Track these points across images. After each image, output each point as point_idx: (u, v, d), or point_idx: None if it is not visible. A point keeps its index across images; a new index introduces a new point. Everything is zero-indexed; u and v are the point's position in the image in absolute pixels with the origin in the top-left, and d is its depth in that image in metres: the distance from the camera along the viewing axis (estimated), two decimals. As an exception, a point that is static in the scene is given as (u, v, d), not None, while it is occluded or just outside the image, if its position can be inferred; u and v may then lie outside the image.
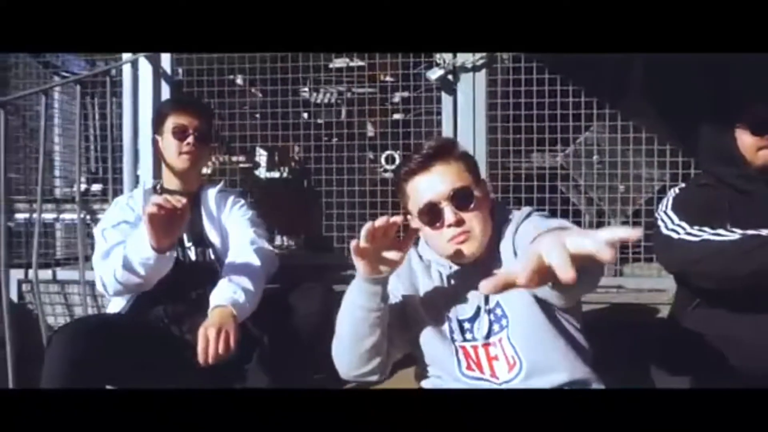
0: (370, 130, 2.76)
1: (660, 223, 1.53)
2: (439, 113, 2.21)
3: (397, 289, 1.32)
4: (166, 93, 2.32)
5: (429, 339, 1.28)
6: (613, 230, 0.67)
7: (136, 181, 2.27)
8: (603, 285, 1.92)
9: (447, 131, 2.20)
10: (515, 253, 1.21)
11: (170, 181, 1.77)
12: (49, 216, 2.35)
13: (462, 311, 1.27)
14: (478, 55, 2.13)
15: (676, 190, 1.62)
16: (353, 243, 1.10)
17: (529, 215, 1.27)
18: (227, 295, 1.49)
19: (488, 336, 1.24)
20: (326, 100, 3.16)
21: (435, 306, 1.29)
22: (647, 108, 2.28)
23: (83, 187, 2.45)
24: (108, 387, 1.47)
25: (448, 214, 1.19)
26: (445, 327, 1.27)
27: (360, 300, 1.17)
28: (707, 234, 1.42)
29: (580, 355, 1.26)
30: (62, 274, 2.32)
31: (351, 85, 2.72)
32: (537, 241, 0.75)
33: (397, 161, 2.36)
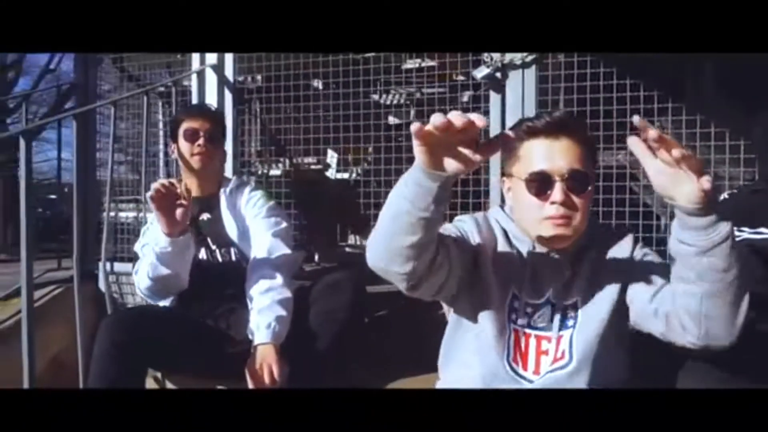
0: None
1: None
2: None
3: (473, 233, 1.21)
4: (228, 100, 2.48)
5: (489, 312, 1.17)
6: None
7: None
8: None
9: (495, 132, 2.14)
10: (629, 275, 1.16)
11: (189, 184, 1.83)
12: (130, 214, 2.59)
13: (530, 295, 1.20)
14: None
15: (726, 194, 1.50)
16: (416, 125, 0.87)
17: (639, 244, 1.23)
18: (265, 332, 1.59)
19: (548, 329, 1.18)
20: (396, 101, 3.20)
21: (505, 277, 1.19)
22: (722, 102, 2.07)
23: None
24: (148, 368, 1.62)
25: (558, 191, 1.10)
26: (505, 303, 1.19)
27: (409, 192, 0.95)
28: (746, 233, 1.30)
29: (621, 374, 1.21)
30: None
31: (420, 85, 2.74)
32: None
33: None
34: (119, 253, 2.62)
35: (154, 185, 1.55)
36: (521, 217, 1.20)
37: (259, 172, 2.92)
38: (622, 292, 1.17)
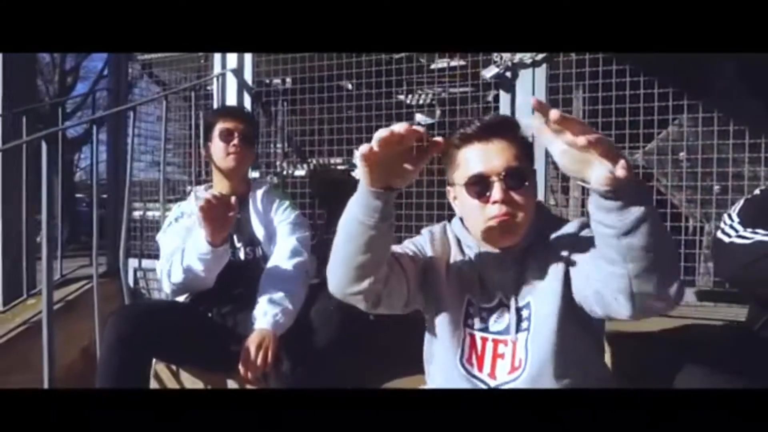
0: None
1: (720, 225, 1.38)
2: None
3: (424, 247, 1.27)
4: (247, 102, 2.55)
5: (442, 317, 1.22)
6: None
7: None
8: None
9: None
10: (569, 261, 1.15)
11: (220, 185, 1.93)
12: (157, 213, 2.69)
13: (483, 299, 1.22)
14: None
15: (755, 191, 1.44)
16: (363, 147, 0.96)
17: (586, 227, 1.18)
18: (269, 319, 1.64)
19: (505, 333, 1.19)
20: (421, 101, 3.21)
21: (458, 284, 1.23)
22: (741, 99, 1.99)
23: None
24: (152, 362, 1.69)
25: (497, 190, 1.12)
26: (461, 310, 1.22)
27: (359, 213, 1.04)
28: (760, 235, 1.25)
29: (593, 377, 1.19)
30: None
31: (445, 85, 2.74)
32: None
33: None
34: (146, 250, 2.74)
35: (205, 195, 1.56)
36: (468, 222, 1.23)
37: (285, 173, 2.99)
38: (569, 284, 1.15)
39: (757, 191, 1.45)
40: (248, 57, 2.57)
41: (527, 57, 2.05)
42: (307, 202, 2.72)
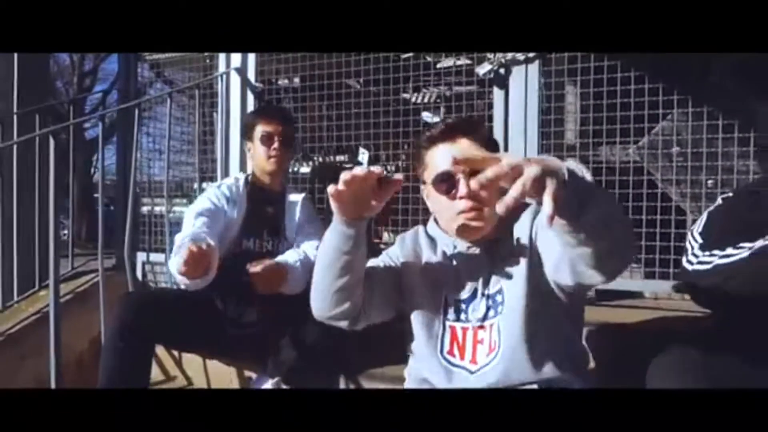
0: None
1: (686, 246, 1.37)
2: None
3: (397, 255, 1.35)
4: (251, 101, 2.62)
5: (419, 315, 1.29)
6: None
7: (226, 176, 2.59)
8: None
9: (498, 129, 2.17)
10: (533, 236, 1.22)
11: (259, 180, 2.02)
12: (163, 209, 2.78)
13: (459, 291, 1.28)
14: (529, 47, 2.06)
15: (717, 201, 1.43)
16: (330, 187, 1.08)
17: None
18: (292, 260, 1.78)
19: (483, 319, 1.25)
20: (426, 99, 3.25)
21: (433, 282, 1.30)
22: (730, 93, 2.01)
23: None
24: (154, 349, 1.76)
25: (463, 185, 1.19)
26: (440, 305, 1.29)
27: (334, 241, 1.17)
28: (717, 258, 1.25)
29: (569, 358, 1.23)
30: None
31: (450, 83, 2.78)
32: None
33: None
34: (154, 244, 2.82)
35: (190, 246, 1.51)
36: (440, 219, 1.30)
37: (291, 170, 3.05)
38: (538, 263, 1.20)
39: (719, 200, 1.44)
40: (252, 56, 2.63)
41: (520, 54, 2.09)
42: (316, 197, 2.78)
